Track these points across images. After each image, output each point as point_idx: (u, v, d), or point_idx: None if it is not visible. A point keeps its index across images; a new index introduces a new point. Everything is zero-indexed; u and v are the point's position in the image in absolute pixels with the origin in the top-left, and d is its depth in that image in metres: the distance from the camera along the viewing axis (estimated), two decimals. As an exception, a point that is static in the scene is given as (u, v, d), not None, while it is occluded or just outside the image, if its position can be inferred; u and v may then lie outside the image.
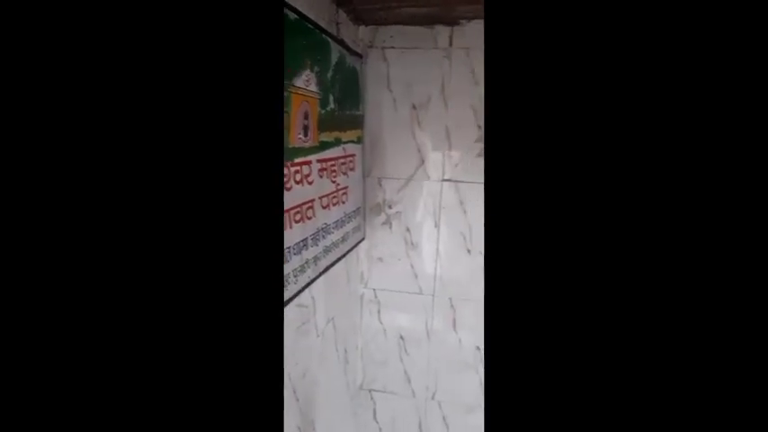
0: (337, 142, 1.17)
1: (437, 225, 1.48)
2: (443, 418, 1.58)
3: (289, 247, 0.89)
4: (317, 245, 1.06)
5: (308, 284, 1.01)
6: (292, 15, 0.86)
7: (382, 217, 1.52)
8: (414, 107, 1.43)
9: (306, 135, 0.96)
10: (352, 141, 1.30)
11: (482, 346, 1.51)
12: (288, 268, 0.89)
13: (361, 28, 1.40)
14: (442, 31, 1.37)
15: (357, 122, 1.35)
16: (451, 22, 1.35)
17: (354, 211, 1.36)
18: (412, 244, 1.51)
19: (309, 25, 0.95)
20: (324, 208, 1.09)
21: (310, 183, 0.99)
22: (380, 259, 1.54)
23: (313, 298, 1.14)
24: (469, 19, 1.34)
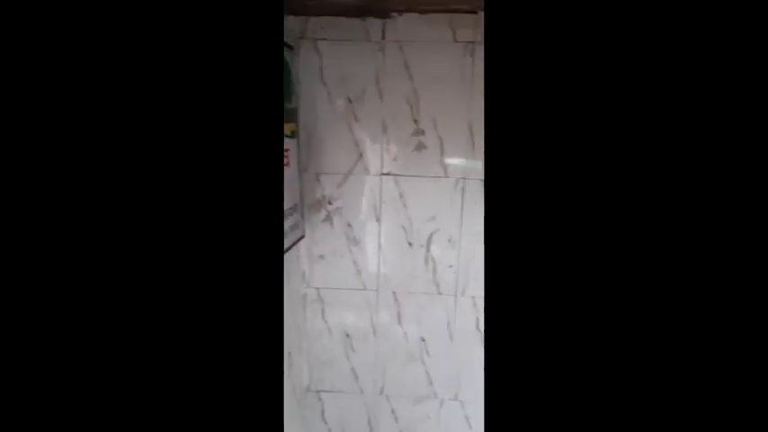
0: (268, 137, 1.11)
1: (378, 219, 1.48)
2: (392, 412, 1.59)
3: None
4: (250, 245, 1.00)
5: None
6: None
7: (322, 213, 1.48)
8: (349, 100, 1.41)
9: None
10: (286, 136, 1.25)
11: (427, 337, 1.53)
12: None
13: (291, 18, 1.34)
14: (375, 24, 1.35)
15: (290, 116, 1.30)
16: (383, 14, 1.34)
17: (291, 208, 1.31)
18: (354, 239, 1.49)
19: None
20: (256, 206, 1.04)
21: (238, 179, 0.93)
22: (322, 257, 1.51)
23: (249, 301, 1.08)
24: (401, 12, 1.34)
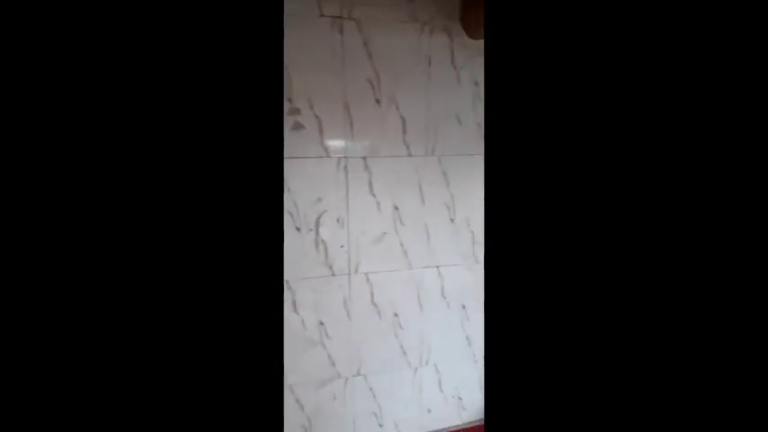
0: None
1: (260, 207, 1.38)
2: (297, 401, 1.56)
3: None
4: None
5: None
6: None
7: (194, 207, 1.33)
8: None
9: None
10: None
11: (325, 321, 1.52)
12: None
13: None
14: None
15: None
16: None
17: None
18: (235, 231, 1.38)
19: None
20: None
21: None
22: (200, 255, 1.36)
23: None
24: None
